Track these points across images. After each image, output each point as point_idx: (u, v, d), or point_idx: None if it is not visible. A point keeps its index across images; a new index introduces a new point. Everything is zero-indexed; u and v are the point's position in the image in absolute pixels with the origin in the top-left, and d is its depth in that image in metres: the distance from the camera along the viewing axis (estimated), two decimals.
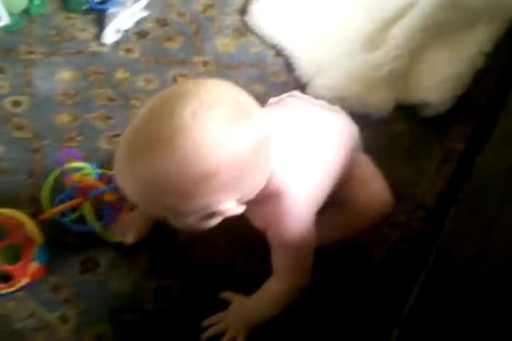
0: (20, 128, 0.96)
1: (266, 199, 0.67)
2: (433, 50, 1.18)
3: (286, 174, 0.69)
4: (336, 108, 0.88)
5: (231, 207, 0.62)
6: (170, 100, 0.57)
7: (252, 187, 0.63)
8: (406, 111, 1.15)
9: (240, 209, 0.63)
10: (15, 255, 0.75)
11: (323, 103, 0.88)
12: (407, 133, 1.12)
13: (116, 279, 0.84)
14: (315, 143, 0.77)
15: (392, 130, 1.12)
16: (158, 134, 0.55)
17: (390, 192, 0.85)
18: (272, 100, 0.91)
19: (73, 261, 0.84)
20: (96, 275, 0.84)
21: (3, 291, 0.76)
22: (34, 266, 0.76)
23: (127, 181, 0.58)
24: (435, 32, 1.18)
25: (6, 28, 1.09)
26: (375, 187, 0.84)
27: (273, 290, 0.76)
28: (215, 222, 0.65)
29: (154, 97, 0.59)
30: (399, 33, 1.18)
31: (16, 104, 0.99)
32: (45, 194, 0.85)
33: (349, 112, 1.10)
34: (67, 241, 0.85)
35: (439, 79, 1.14)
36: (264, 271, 0.78)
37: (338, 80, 1.12)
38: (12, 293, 0.77)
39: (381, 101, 1.12)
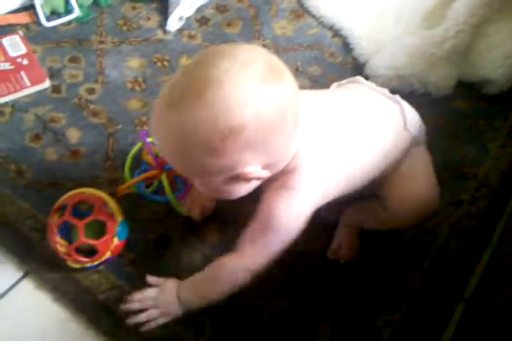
0: (95, 114, 1.03)
1: (278, 175, 0.67)
2: (495, 25, 1.15)
3: (311, 156, 0.67)
4: (397, 98, 0.83)
5: (256, 170, 0.62)
6: (209, 56, 0.59)
7: (278, 154, 0.63)
8: (468, 89, 1.14)
9: (264, 174, 0.63)
10: (99, 231, 0.81)
11: (385, 91, 0.84)
12: (469, 111, 1.11)
13: (188, 254, 0.89)
14: (357, 132, 0.74)
15: (454, 108, 1.12)
16: (192, 85, 0.56)
17: (436, 190, 0.81)
18: (333, 86, 0.91)
19: (148, 237, 0.90)
20: (169, 251, 0.89)
21: (88, 264, 0.83)
22: (116, 241, 0.82)
23: (160, 131, 0.60)
24: (498, 6, 1.15)
25: (78, 19, 1.15)
26: (420, 184, 0.80)
27: (222, 265, 0.72)
28: (240, 188, 0.65)
29: (198, 54, 0.61)
30: (460, 8, 1.15)
31: (90, 91, 1.06)
32: (128, 164, 0.93)
33: (409, 91, 1.12)
34: (143, 218, 0.91)
35: (502, 55, 1.12)
36: None
37: (397, 59, 1.12)
38: (96, 266, 0.84)
39: (442, 79, 1.11)
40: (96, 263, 0.83)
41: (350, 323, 0.85)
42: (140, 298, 0.77)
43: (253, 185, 0.66)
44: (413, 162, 0.81)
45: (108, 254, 0.82)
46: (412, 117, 0.82)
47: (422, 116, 0.98)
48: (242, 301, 0.84)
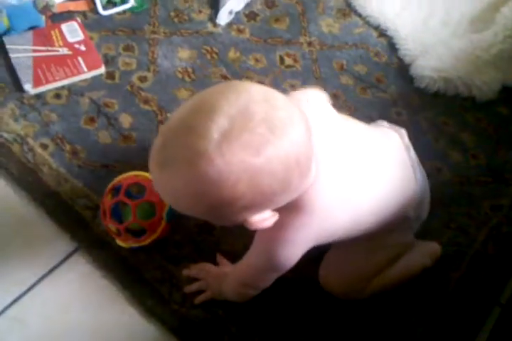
0: (146, 101, 1.06)
1: (283, 208, 0.61)
2: None
3: (321, 196, 0.63)
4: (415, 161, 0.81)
5: (263, 217, 0.58)
6: (201, 113, 0.52)
7: (284, 201, 0.58)
8: None
9: (273, 219, 0.59)
10: (149, 212, 0.84)
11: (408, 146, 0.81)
12: None
13: (229, 241, 0.92)
14: (369, 177, 0.70)
15: (497, 113, 1.12)
16: (182, 153, 0.51)
17: (360, 286, 0.82)
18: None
19: (192, 222, 0.93)
20: (212, 236, 0.93)
21: (136, 244, 0.86)
22: (163, 223, 0.86)
23: (157, 186, 0.57)
24: None
25: (132, 9, 1.19)
26: (354, 271, 0.81)
27: (227, 277, 0.80)
28: (256, 226, 0.59)
29: (188, 103, 0.55)
30: (509, 12, 1.16)
31: (142, 79, 1.09)
32: None
33: (454, 93, 1.13)
34: None
35: None
36: None
37: (444, 61, 1.13)
38: (143, 246, 0.87)
39: (487, 83, 1.12)
40: (143, 243, 0.86)
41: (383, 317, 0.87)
42: (197, 267, 0.86)
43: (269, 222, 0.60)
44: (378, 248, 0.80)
45: (155, 235, 0.86)
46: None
47: (466, 118, 1.00)
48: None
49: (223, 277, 0.83)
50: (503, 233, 0.96)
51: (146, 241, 0.86)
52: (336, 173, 0.65)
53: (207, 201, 0.53)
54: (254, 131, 0.50)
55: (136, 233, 0.86)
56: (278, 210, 0.59)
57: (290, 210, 0.61)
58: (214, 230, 0.93)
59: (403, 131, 0.80)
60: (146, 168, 0.94)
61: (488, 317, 0.89)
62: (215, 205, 0.53)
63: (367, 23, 1.25)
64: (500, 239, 0.96)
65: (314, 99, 0.75)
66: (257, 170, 0.51)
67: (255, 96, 0.53)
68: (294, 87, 1.12)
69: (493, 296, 0.91)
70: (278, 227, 0.62)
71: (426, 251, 0.88)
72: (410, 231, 0.83)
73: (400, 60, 1.20)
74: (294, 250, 0.67)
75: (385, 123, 0.84)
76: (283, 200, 0.57)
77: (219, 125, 0.50)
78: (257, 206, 0.55)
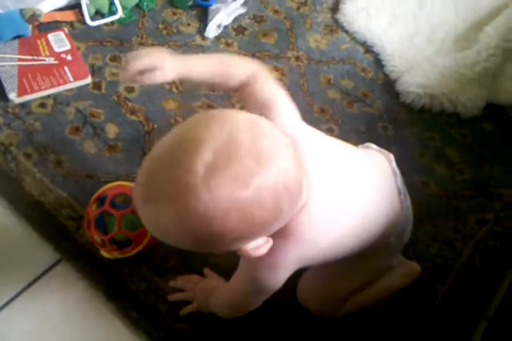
0: (133, 112, 1.05)
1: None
2: None
3: (309, 222, 0.61)
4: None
5: (257, 245, 0.56)
6: (184, 146, 0.50)
7: (274, 230, 0.56)
8: (496, 111, 1.17)
9: (266, 247, 0.57)
10: (135, 223, 0.82)
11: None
12: (497, 132, 1.14)
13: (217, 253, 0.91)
14: (358, 202, 0.69)
15: (482, 129, 1.14)
16: (167, 188, 0.49)
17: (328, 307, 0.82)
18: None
19: None
20: None
21: (121, 256, 0.85)
22: (149, 235, 0.84)
23: (141, 216, 0.54)
24: None
25: (120, 21, 1.18)
26: (328, 290, 0.81)
27: (216, 297, 0.80)
28: (252, 254, 0.57)
29: (171, 134, 0.53)
30: (492, 32, 1.19)
31: (129, 90, 1.08)
32: None
33: (439, 109, 1.15)
34: None
35: None
36: None
37: (429, 77, 1.15)
38: (127, 258, 0.85)
39: (472, 100, 1.14)
40: (128, 255, 0.85)
41: (371, 332, 0.87)
42: (184, 279, 0.86)
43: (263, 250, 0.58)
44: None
45: (141, 247, 0.84)
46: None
47: (451, 134, 1.01)
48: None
49: (210, 290, 0.82)
50: (489, 246, 0.97)
51: (132, 252, 0.85)
52: (326, 198, 0.63)
53: (195, 236, 0.51)
54: (239, 163, 0.49)
55: (122, 244, 0.85)
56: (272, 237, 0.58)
57: (276, 235, 0.59)
58: None
59: (391, 156, 0.79)
60: (131, 178, 0.95)
61: (475, 331, 0.89)
62: (204, 239, 0.51)
63: (354, 39, 1.27)
64: (487, 252, 0.96)
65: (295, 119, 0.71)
66: (246, 202, 0.49)
67: (239, 126, 0.51)
68: None
69: (479, 310, 0.91)
70: (270, 252, 0.60)
71: (405, 272, 0.88)
72: (389, 257, 0.82)
73: (386, 75, 1.21)
74: (279, 274, 0.66)
75: (373, 145, 0.82)
76: (276, 227, 0.56)
77: (204, 159, 0.48)
78: (249, 236, 0.54)
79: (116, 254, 0.84)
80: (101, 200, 0.85)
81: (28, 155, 0.96)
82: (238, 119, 0.53)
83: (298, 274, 0.71)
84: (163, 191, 0.49)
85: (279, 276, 0.66)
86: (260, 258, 0.60)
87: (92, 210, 0.84)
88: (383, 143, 1.05)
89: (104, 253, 0.85)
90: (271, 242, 0.58)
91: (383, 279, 0.83)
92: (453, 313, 0.90)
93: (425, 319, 0.90)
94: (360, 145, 0.81)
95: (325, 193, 0.63)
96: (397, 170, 0.78)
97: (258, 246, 0.56)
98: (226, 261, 0.89)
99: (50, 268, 0.86)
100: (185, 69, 0.70)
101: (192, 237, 0.51)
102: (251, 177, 0.49)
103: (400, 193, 0.76)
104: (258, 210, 0.50)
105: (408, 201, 0.78)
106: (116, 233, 0.82)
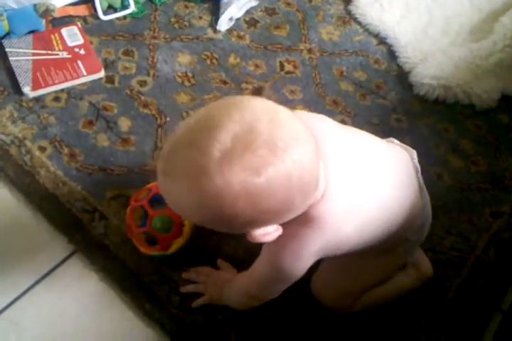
0: (145, 105, 1.06)
1: (292, 221, 0.60)
2: None
3: (330, 210, 0.62)
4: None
5: (268, 231, 0.57)
6: (204, 129, 0.51)
7: (285, 220, 0.57)
8: None
9: (274, 235, 0.58)
10: (166, 227, 0.82)
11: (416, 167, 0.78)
12: None
13: (231, 246, 0.91)
14: (380, 195, 0.69)
15: (497, 120, 1.13)
16: (183, 166, 0.51)
17: (346, 300, 0.82)
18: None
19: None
20: (213, 240, 0.91)
21: (149, 252, 0.85)
22: (178, 241, 0.85)
23: (161, 188, 0.56)
24: None
25: (132, 15, 1.19)
26: (345, 283, 0.81)
27: (234, 286, 0.79)
28: (260, 239, 0.58)
29: (194, 117, 0.54)
30: (508, 22, 1.17)
31: (142, 83, 1.09)
32: None
33: (454, 101, 1.14)
34: None
35: None
36: None
37: (443, 69, 1.14)
38: (154, 256, 0.86)
39: (487, 92, 1.13)
40: (153, 254, 0.85)
41: (385, 324, 0.86)
42: (196, 271, 0.86)
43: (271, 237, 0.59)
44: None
45: (169, 250, 0.85)
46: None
47: (466, 126, 1.00)
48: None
49: (223, 282, 0.82)
50: (504, 239, 0.96)
51: (157, 253, 0.85)
52: (346, 187, 0.64)
53: (208, 213, 0.52)
54: (255, 152, 0.49)
55: (152, 241, 0.85)
56: (287, 223, 0.58)
57: (300, 223, 0.60)
58: (213, 234, 0.92)
59: (414, 153, 0.78)
60: (143, 172, 0.96)
61: (490, 324, 0.88)
62: (217, 217, 0.52)
63: (366, 30, 1.26)
64: (501, 245, 0.95)
65: (322, 117, 0.72)
66: (257, 190, 0.50)
67: (260, 115, 0.52)
68: (293, 93, 1.13)
69: (494, 302, 0.90)
70: (287, 239, 0.61)
71: (418, 273, 0.87)
72: (406, 253, 0.82)
73: (400, 67, 1.20)
74: (302, 262, 0.66)
75: (396, 141, 0.81)
76: (286, 217, 0.56)
77: (221, 143, 0.49)
78: (258, 222, 0.55)
79: (143, 249, 0.85)
80: (147, 193, 0.84)
81: (42, 149, 0.97)
82: (259, 108, 0.53)
83: (313, 266, 0.71)
84: (180, 168, 0.51)
85: (302, 264, 0.66)
86: (284, 245, 0.63)
87: (136, 200, 0.84)
88: (397, 135, 1.05)
89: (135, 243, 0.85)
90: (280, 231, 0.58)
91: (396, 279, 0.83)
92: (467, 306, 0.90)
93: (439, 311, 0.89)
94: (384, 140, 0.80)
95: (346, 182, 0.64)
96: (419, 167, 0.77)
97: (266, 233, 0.57)
98: (239, 253, 0.90)
99: (64, 260, 0.87)
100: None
101: (205, 214, 0.53)
102: (265, 167, 0.49)
103: (420, 189, 0.75)
104: (268, 199, 0.51)
105: (427, 198, 0.78)
106: (146, 230, 0.82)
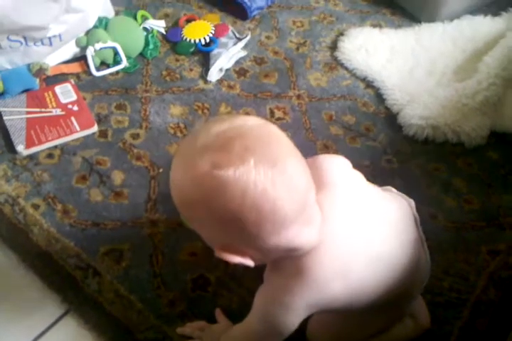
0: (138, 158, 1.07)
1: (281, 272, 0.62)
2: None
3: (323, 267, 0.61)
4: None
5: (226, 247, 0.58)
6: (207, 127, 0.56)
7: (247, 245, 0.57)
8: (501, 139, 1.16)
9: (237, 259, 0.58)
10: None
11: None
12: (503, 160, 1.13)
13: (226, 296, 0.90)
14: (384, 256, 0.67)
15: (488, 157, 1.13)
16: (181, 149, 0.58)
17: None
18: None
19: (187, 277, 0.91)
20: (207, 293, 0.90)
21: None
22: None
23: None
24: None
25: (125, 70, 1.22)
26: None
27: (229, 338, 0.77)
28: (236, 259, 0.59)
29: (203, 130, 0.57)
30: (491, 61, 1.20)
31: (135, 136, 1.11)
32: None
33: (443, 140, 1.15)
34: (183, 259, 0.93)
35: None
36: None
37: (431, 109, 1.16)
38: None
39: (475, 129, 1.14)
40: None
41: None
42: (191, 326, 0.85)
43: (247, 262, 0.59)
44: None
45: None
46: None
47: (457, 164, 1.00)
48: None
49: (219, 336, 0.80)
50: (503, 278, 0.94)
51: None
52: (341, 241, 0.63)
53: (178, 194, 0.56)
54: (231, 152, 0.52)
55: None
56: (279, 273, 0.60)
57: (292, 274, 0.61)
58: (209, 286, 0.91)
59: (413, 202, 0.77)
60: (137, 224, 0.96)
61: None
62: (183, 199, 0.56)
63: (354, 75, 1.29)
64: (501, 284, 0.93)
65: (340, 163, 0.73)
66: (212, 183, 0.52)
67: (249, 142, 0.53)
68: None
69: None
70: (277, 291, 0.62)
71: (415, 324, 0.85)
72: (409, 305, 0.80)
73: (388, 109, 1.22)
74: (292, 315, 0.65)
75: (393, 190, 0.80)
76: (256, 242, 0.56)
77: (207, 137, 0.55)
78: (220, 234, 0.57)
79: None
80: None
81: (35, 206, 0.98)
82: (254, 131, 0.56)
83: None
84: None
85: (292, 319, 0.65)
86: (273, 297, 0.63)
87: None
88: (388, 177, 1.06)
89: None
90: (248, 262, 0.58)
91: (392, 329, 0.81)
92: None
93: None
94: (381, 188, 0.79)
95: (343, 241, 0.63)
96: (418, 217, 0.76)
97: (225, 248, 0.58)
98: (234, 305, 0.88)
99: (58, 320, 0.85)
100: None
101: (176, 195, 0.57)
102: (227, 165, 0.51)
103: (422, 241, 0.74)
104: (218, 198, 0.52)
105: (427, 251, 0.77)
106: None
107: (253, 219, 0.52)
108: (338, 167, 0.71)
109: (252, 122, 0.56)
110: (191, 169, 0.53)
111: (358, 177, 0.72)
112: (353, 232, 0.65)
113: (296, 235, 0.57)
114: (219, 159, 0.51)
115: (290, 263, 0.61)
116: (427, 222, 0.99)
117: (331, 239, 0.62)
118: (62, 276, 0.89)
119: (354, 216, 0.66)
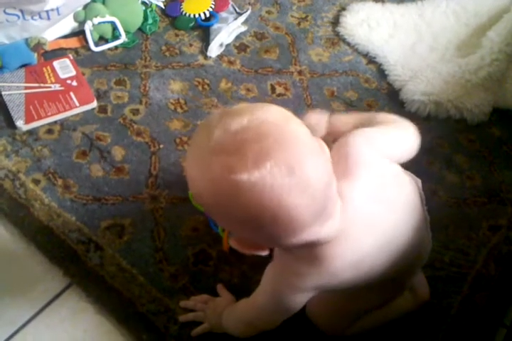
0: (139, 133, 1.07)
1: (296, 252, 0.60)
2: None
3: (340, 258, 0.61)
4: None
5: (238, 240, 0.58)
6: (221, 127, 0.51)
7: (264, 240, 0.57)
8: (504, 116, 1.16)
9: (248, 250, 0.59)
10: None
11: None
12: (505, 137, 1.13)
13: (227, 271, 0.90)
14: (395, 244, 0.67)
15: (490, 134, 1.13)
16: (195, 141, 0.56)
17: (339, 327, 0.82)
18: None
19: (188, 252, 0.92)
20: (208, 266, 0.91)
21: None
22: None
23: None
24: None
25: (124, 45, 1.21)
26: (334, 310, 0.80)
27: (232, 312, 0.78)
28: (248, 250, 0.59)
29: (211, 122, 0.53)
30: (495, 37, 1.18)
31: (135, 112, 1.10)
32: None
33: (445, 116, 1.14)
34: (185, 234, 0.94)
35: None
36: None
37: (433, 85, 1.14)
38: None
39: (478, 106, 1.13)
40: None
41: None
42: (195, 299, 0.85)
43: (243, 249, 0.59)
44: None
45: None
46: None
47: (459, 141, 0.99)
48: None
49: (222, 310, 0.81)
50: (504, 253, 0.95)
51: None
52: (364, 237, 0.62)
53: (196, 185, 0.54)
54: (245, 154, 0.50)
55: None
56: (291, 254, 0.60)
57: (305, 259, 0.60)
58: (210, 260, 0.91)
59: (419, 181, 0.76)
60: (138, 199, 0.96)
61: (494, 340, 0.86)
62: (198, 188, 0.54)
63: (356, 51, 1.27)
64: (501, 259, 0.94)
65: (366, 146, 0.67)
66: (223, 184, 0.50)
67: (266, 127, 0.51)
68: None
69: (497, 318, 0.89)
70: (292, 274, 0.62)
71: (415, 297, 0.86)
72: (410, 282, 0.80)
73: (390, 85, 1.21)
74: (299, 295, 0.66)
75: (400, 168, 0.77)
76: (265, 240, 0.56)
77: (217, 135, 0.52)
78: (230, 224, 0.56)
79: None
80: None
81: (36, 181, 0.97)
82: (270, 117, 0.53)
83: None
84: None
85: (298, 298, 0.66)
86: (284, 279, 0.64)
87: None
88: None
89: None
90: (263, 252, 0.58)
91: (393, 302, 0.81)
92: (470, 322, 0.88)
93: (442, 329, 0.87)
94: None
95: (361, 228, 0.61)
96: (424, 197, 0.75)
97: (241, 241, 0.58)
98: (235, 279, 0.89)
99: (60, 293, 0.86)
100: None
101: (194, 186, 0.54)
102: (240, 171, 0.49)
103: (426, 221, 0.74)
104: (236, 208, 0.50)
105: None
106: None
107: (269, 224, 0.51)
108: (362, 153, 0.65)
109: (272, 118, 0.51)
110: (207, 171, 0.50)
111: (383, 160, 0.67)
112: (372, 221, 0.63)
113: (315, 233, 0.55)
114: (234, 163, 0.48)
115: (305, 248, 0.59)
116: (429, 198, 0.99)
117: (351, 230, 0.60)
118: (64, 250, 0.90)
119: (374, 204, 0.64)
